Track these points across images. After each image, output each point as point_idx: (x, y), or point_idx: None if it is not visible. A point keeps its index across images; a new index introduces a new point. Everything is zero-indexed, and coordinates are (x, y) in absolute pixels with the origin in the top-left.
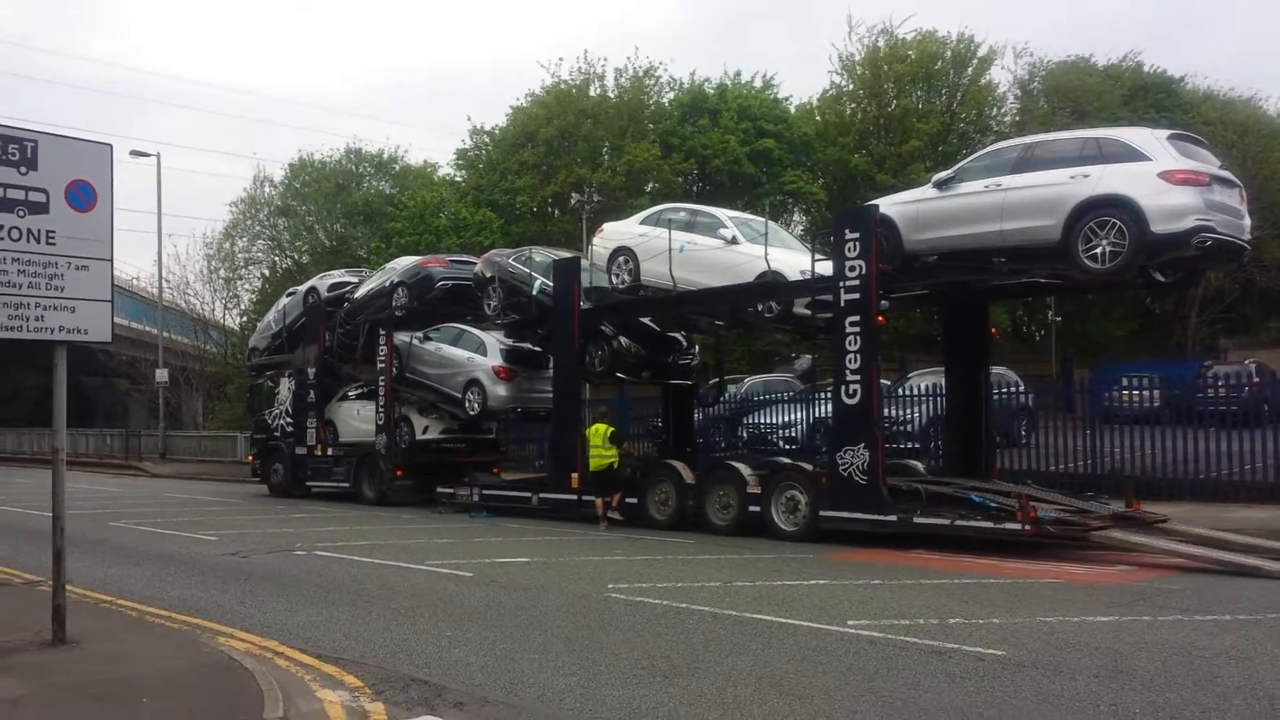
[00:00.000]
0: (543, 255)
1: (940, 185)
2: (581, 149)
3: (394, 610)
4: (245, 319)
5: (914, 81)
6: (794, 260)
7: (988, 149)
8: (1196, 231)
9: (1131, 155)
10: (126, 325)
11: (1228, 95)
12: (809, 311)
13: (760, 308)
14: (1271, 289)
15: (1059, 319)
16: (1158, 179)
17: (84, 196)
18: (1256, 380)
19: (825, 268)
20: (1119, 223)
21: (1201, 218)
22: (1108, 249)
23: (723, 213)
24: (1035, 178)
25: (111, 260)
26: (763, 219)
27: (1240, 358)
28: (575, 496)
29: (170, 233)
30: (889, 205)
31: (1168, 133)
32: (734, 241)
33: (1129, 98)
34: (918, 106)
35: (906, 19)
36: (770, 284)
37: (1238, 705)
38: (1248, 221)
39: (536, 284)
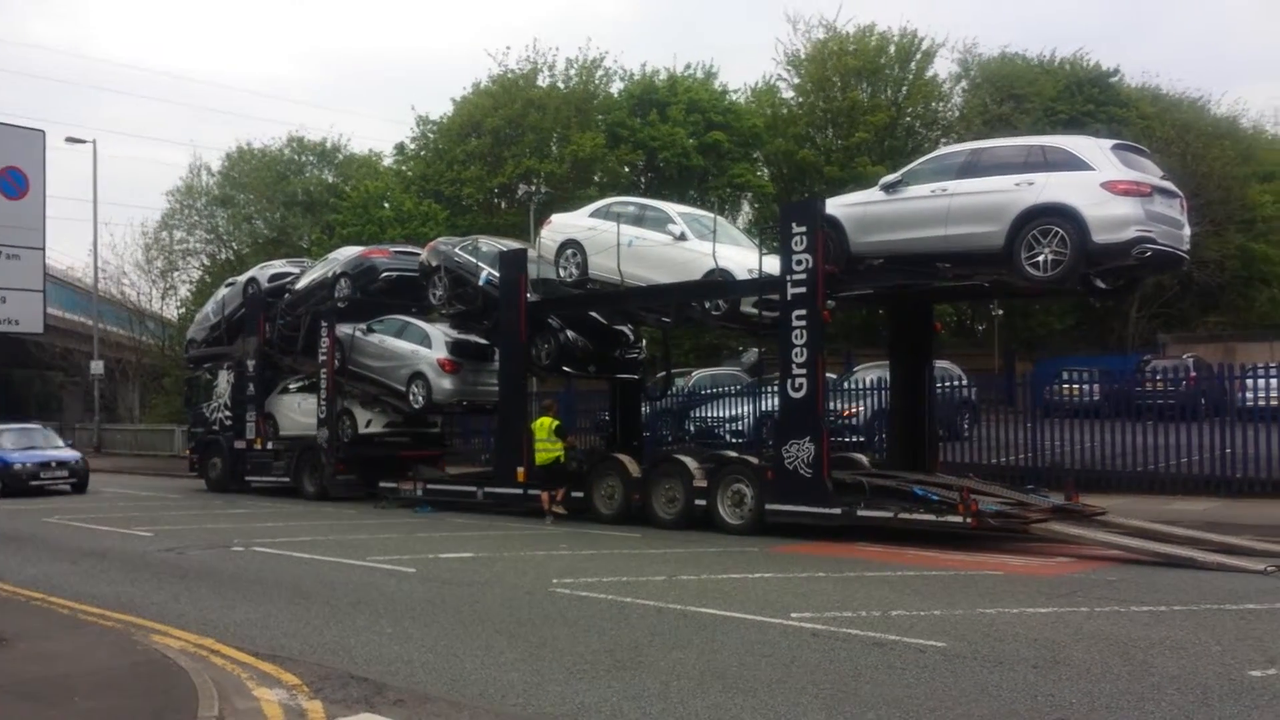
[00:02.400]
0: (490, 245)
1: (887, 189)
2: (529, 139)
3: (334, 607)
4: (183, 310)
5: (859, 76)
6: (742, 258)
7: (934, 153)
8: (1137, 242)
9: (1075, 164)
10: (60, 316)
11: (1169, 94)
12: (756, 310)
13: (707, 305)
14: (1209, 285)
15: (1001, 313)
16: (1100, 189)
17: (15, 184)
18: (1194, 375)
19: (773, 265)
20: (1061, 231)
21: (1142, 228)
22: (1050, 257)
23: (672, 208)
24: (980, 184)
25: (44, 249)
26: (712, 215)
27: (1178, 352)
28: (521, 491)
29: (107, 221)
30: (836, 207)
31: (1112, 143)
32: (683, 238)
33: (1066, 92)
34: (864, 101)
35: (839, 10)
36: (718, 282)
37: (1171, 695)
38: (1187, 231)
39: (483, 274)
